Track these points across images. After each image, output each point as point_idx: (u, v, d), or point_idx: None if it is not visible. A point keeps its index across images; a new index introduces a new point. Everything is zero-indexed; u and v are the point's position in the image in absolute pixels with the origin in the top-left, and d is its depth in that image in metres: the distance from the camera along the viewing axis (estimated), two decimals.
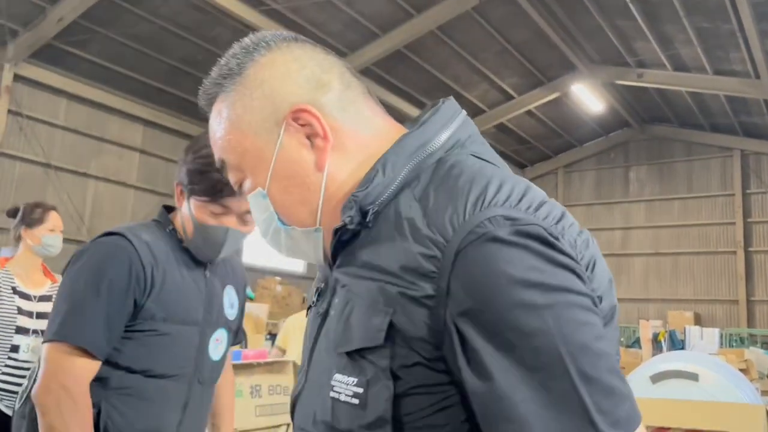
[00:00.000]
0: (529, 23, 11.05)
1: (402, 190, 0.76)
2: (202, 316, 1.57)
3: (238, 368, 2.61)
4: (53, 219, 2.97)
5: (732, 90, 12.42)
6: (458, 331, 0.65)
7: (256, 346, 2.74)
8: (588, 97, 13.94)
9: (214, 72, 0.87)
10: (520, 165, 17.52)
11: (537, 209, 0.71)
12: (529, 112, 14.79)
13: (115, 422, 1.43)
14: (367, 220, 0.76)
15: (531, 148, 16.80)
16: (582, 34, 11.91)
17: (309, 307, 0.90)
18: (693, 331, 8.40)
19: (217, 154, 0.85)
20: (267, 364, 2.67)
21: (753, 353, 6.68)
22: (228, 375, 1.83)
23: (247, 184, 0.83)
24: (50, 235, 2.92)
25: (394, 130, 0.83)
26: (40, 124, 10.21)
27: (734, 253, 15.33)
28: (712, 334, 8.89)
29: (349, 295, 0.75)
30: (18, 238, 2.94)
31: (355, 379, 0.70)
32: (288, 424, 2.71)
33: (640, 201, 16.77)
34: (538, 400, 0.61)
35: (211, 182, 1.48)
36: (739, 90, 12.27)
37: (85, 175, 10.88)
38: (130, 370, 1.43)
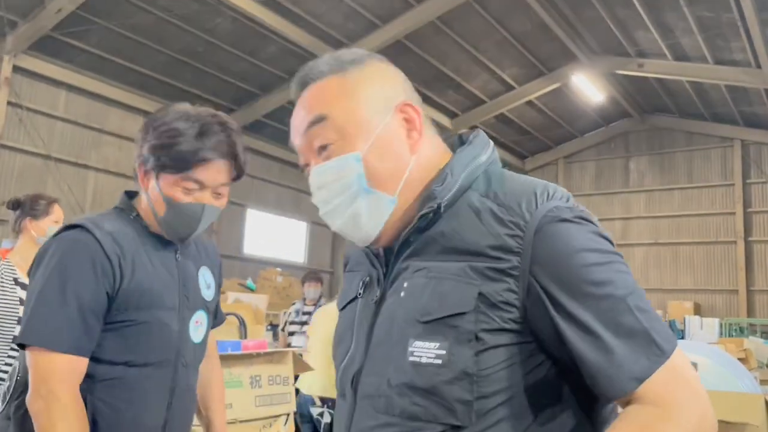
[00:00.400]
0: (530, 13, 11.00)
1: (465, 190, 0.96)
2: (179, 300, 1.55)
3: (238, 359, 2.62)
4: (57, 211, 3.01)
5: (733, 79, 12.37)
6: (545, 291, 0.86)
7: (256, 336, 2.75)
8: (588, 88, 13.90)
9: (331, 57, 1.03)
10: (520, 156, 17.50)
11: (569, 200, 0.96)
12: (529, 103, 14.74)
13: (103, 414, 1.43)
14: (442, 210, 0.94)
15: (531, 139, 16.76)
16: (582, 24, 11.86)
17: (351, 300, 1.05)
18: (693, 321, 8.43)
19: (321, 110, 0.98)
20: (267, 354, 2.69)
21: (752, 343, 6.70)
22: (216, 367, 1.82)
23: (334, 148, 0.96)
24: (55, 227, 2.94)
25: (443, 145, 1.06)
26: (39, 116, 10.19)
27: (734, 243, 15.33)
28: (712, 323, 8.92)
29: (430, 275, 0.91)
30: (18, 230, 2.95)
31: (437, 344, 0.88)
32: (288, 414, 2.73)
33: (640, 191, 16.75)
34: (612, 331, 0.84)
35: (180, 153, 1.45)
36: (739, 79, 12.22)
37: (85, 166, 10.87)
38: (112, 363, 1.42)
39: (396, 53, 11.87)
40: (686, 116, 16.00)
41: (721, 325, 10.43)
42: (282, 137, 14.07)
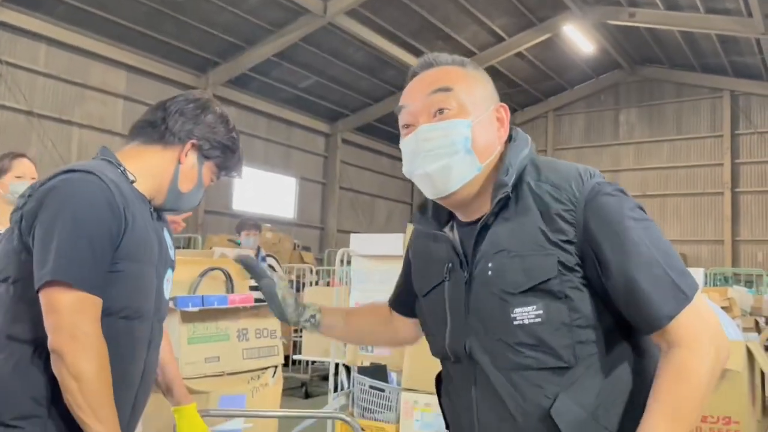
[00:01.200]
0: None
1: (520, 179, 1.18)
2: (157, 257, 1.55)
3: (224, 313, 2.62)
4: (21, 166, 2.90)
5: (724, 29, 12.25)
6: (595, 253, 1.10)
7: (243, 291, 2.75)
8: (579, 38, 13.72)
9: (450, 56, 1.28)
10: (510, 109, 17.25)
11: (603, 178, 1.19)
12: (519, 54, 14.56)
13: None
14: (509, 195, 1.18)
15: (521, 92, 16.62)
16: None
17: (437, 285, 1.27)
18: None
19: (447, 83, 1.22)
20: (253, 308, 2.69)
21: (736, 292, 6.79)
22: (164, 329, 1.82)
23: (450, 113, 1.19)
24: (17, 182, 2.86)
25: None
26: (20, 71, 9.96)
27: (721, 194, 15.44)
28: (697, 273, 9.04)
29: (512, 254, 1.14)
30: None
31: (534, 306, 1.12)
32: (276, 366, 2.75)
33: (629, 143, 16.75)
34: (649, 280, 1.08)
35: (236, 161, 1.68)
36: (731, 29, 12.10)
37: (69, 122, 10.70)
38: (105, 313, 1.39)
39: (384, 4, 11.63)
40: (676, 67, 15.88)
41: (706, 275, 10.58)
42: (269, 91, 13.86)
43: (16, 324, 1.39)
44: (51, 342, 1.32)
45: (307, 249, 12.92)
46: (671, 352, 1.09)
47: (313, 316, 1.53)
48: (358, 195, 17.39)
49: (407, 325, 1.51)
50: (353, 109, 16.06)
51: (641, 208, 1.15)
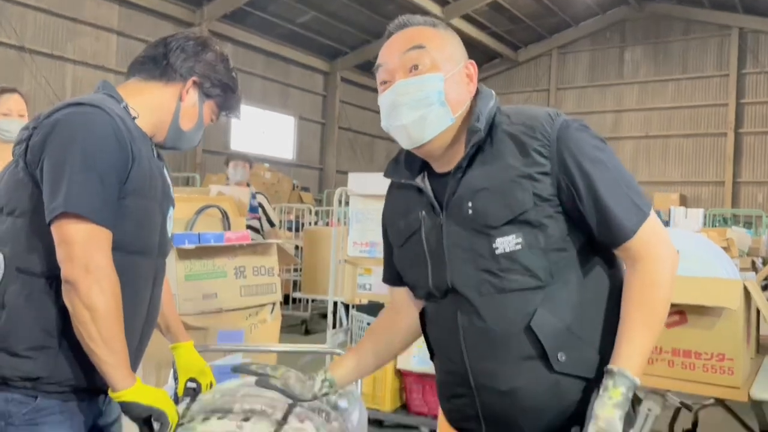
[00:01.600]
0: None
1: (493, 124, 1.30)
2: (161, 193, 1.53)
3: (221, 250, 2.61)
4: (8, 102, 2.82)
5: None
6: (569, 178, 1.24)
7: (239, 228, 2.73)
8: None
9: (422, 17, 1.37)
10: (513, 46, 16.99)
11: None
12: None
13: None
14: (483, 139, 1.29)
15: (525, 28, 16.21)
16: None
17: (413, 233, 1.36)
18: (678, 212, 8.53)
19: (421, 41, 1.31)
20: (250, 246, 2.68)
21: (735, 232, 6.81)
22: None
23: (423, 69, 1.29)
24: (4, 119, 2.79)
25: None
26: (10, 5, 9.70)
27: (725, 134, 15.31)
28: (696, 214, 9.03)
29: (492, 191, 1.25)
30: None
31: (514, 235, 1.23)
32: (274, 303, 2.77)
33: (634, 83, 16.48)
34: (614, 199, 1.24)
35: (236, 101, 1.69)
36: None
37: (61, 58, 10.48)
38: (113, 248, 1.37)
39: None
40: (685, 3, 15.47)
41: (705, 216, 10.58)
42: (266, 27, 13.53)
43: (25, 256, 1.37)
44: (64, 273, 1.31)
45: (306, 189, 12.91)
46: (638, 265, 1.25)
47: (324, 381, 1.49)
48: (358, 135, 17.24)
49: (409, 299, 1.49)
50: (352, 46, 15.72)
51: (603, 140, 1.30)
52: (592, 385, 1.24)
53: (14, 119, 2.81)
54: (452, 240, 1.30)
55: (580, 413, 1.23)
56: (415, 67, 1.29)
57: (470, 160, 1.30)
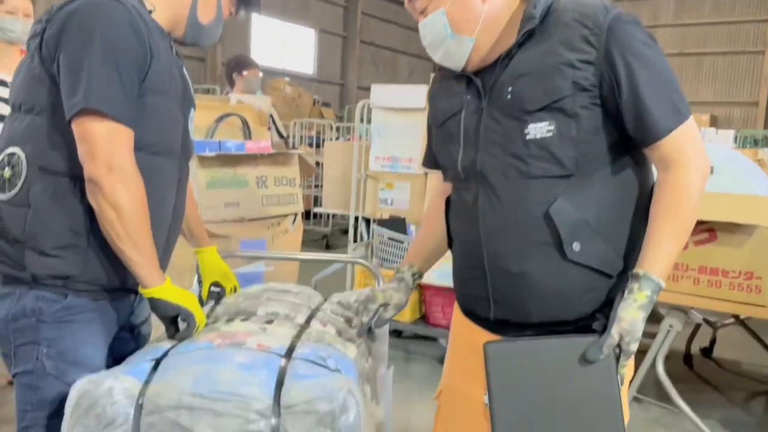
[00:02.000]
0: None
1: (548, 12, 1.29)
2: (181, 92, 1.49)
3: (242, 159, 2.58)
4: (13, 0, 2.73)
5: None
6: (613, 71, 1.22)
7: (260, 137, 2.69)
8: None
9: None
10: None
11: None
12: None
13: None
14: (536, 27, 1.28)
15: None
16: None
17: (454, 114, 1.38)
18: (708, 133, 8.30)
19: None
20: (271, 156, 2.64)
21: (766, 154, 6.62)
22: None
23: (429, 8, 1.33)
24: (8, 17, 2.70)
25: None
26: None
27: (762, 53, 14.69)
28: (727, 135, 8.79)
29: (533, 76, 1.25)
30: None
31: (547, 122, 1.24)
32: (296, 214, 2.75)
33: None
34: (653, 97, 1.21)
35: None
36: None
37: None
38: (136, 147, 1.34)
39: None
40: None
41: (736, 137, 10.30)
42: None
43: (47, 155, 1.34)
44: (87, 171, 1.29)
45: (327, 105, 12.73)
46: (669, 170, 1.24)
47: (414, 274, 1.58)
48: (380, 50, 16.82)
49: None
50: None
51: (653, 38, 1.28)
52: (603, 279, 1.27)
53: (18, 18, 2.73)
54: (487, 123, 1.31)
55: (587, 307, 1.28)
56: (424, 10, 1.35)
57: (519, 46, 1.30)
